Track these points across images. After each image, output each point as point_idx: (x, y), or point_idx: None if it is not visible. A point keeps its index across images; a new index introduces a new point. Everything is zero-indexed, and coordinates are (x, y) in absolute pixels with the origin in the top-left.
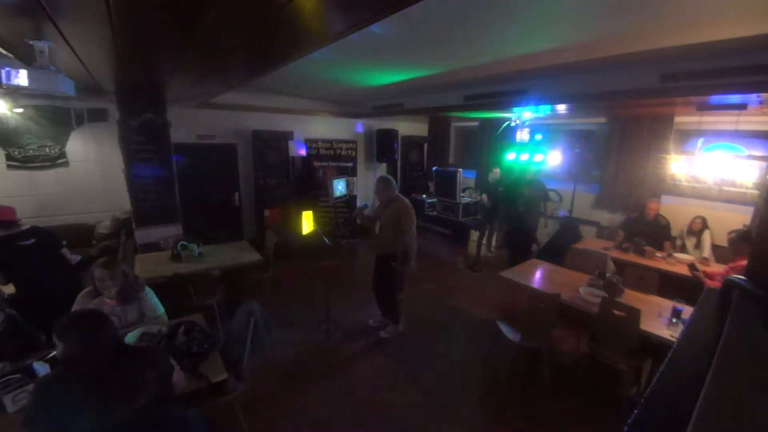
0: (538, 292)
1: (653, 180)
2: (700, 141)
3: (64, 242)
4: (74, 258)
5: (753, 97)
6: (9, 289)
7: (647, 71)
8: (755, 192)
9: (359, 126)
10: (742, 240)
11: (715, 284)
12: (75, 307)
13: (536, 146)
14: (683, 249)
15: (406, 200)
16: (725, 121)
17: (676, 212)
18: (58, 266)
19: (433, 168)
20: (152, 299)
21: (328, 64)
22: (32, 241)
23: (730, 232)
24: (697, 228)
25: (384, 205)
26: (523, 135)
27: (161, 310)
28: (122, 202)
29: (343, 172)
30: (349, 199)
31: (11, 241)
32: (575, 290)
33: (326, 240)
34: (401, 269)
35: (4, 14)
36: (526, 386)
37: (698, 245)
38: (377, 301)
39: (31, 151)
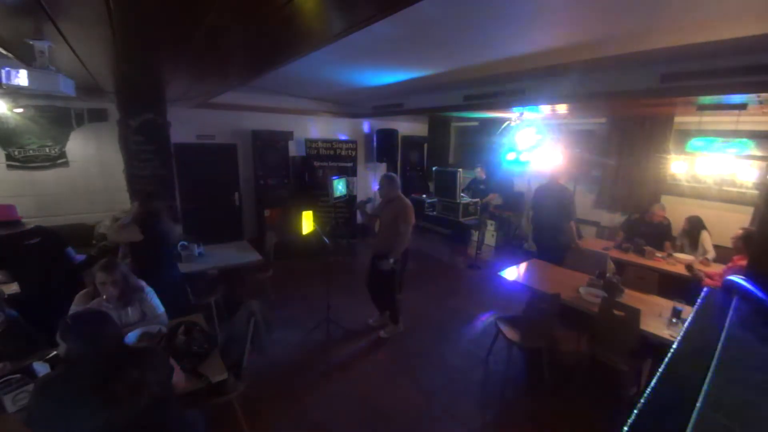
0: (538, 292)
1: (653, 180)
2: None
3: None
4: (80, 258)
5: (753, 97)
6: (9, 288)
7: (647, 71)
8: (755, 192)
9: (359, 126)
10: (744, 240)
11: (715, 284)
12: (73, 308)
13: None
14: (682, 249)
15: (407, 201)
16: (725, 121)
17: (676, 212)
18: (60, 266)
19: (433, 168)
20: (153, 299)
21: (328, 64)
22: (36, 240)
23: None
24: (686, 228)
25: (385, 204)
26: (523, 135)
27: (161, 309)
28: (122, 202)
29: (343, 172)
30: (349, 199)
31: (16, 239)
32: (575, 290)
33: (326, 240)
34: (381, 266)
35: (4, 14)
36: (526, 386)
37: (694, 246)
38: (372, 299)
39: (31, 151)
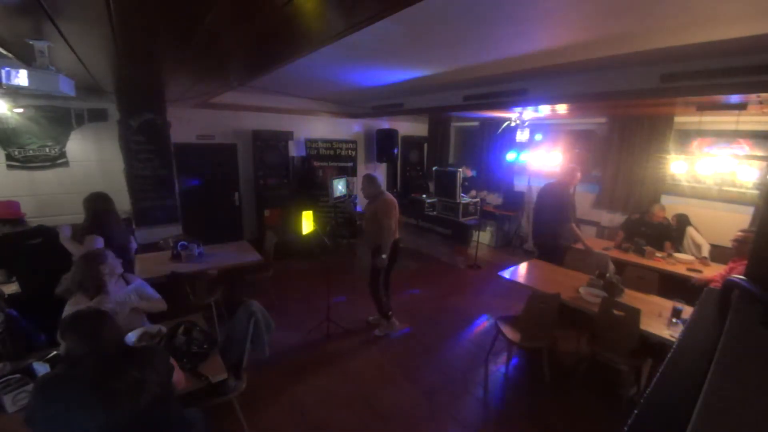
0: (538, 292)
1: (653, 180)
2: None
3: None
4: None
5: (753, 97)
6: (9, 288)
7: (647, 71)
8: (755, 192)
9: (359, 126)
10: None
11: (715, 285)
12: (68, 308)
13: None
14: (676, 247)
15: (389, 196)
16: (725, 121)
17: (676, 212)
18: (61, 266)
19: (433, 168)
20: (146, 288)
21: (328, 64)
22: (38, 240)
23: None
24: (674, 226)
25: (370, 202)
26: (523, 135)
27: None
28: (122, 202)
29: (343, 172)
30: (349, 198)
31: (18, 239)
32: (575, 290)
33: (326, 240)
34: (372, 262)
35: (4, 14)
36: (526, 386)
37: (681, 242)
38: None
39: (31, 151)
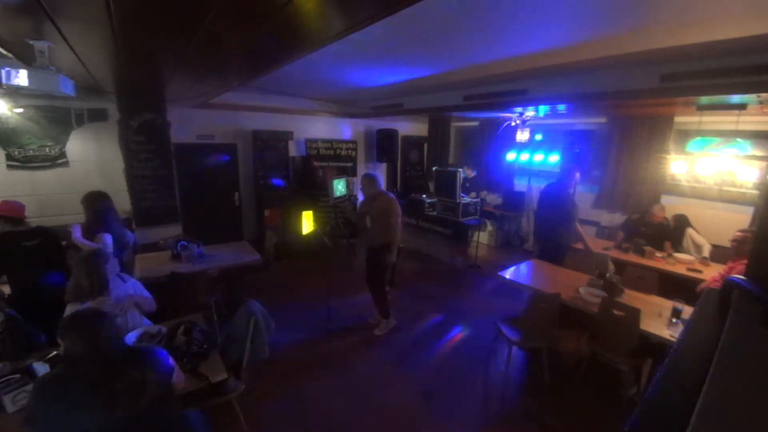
0: (539, 292)
1: (653, 180)
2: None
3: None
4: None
5: (753, 97)
6: (9, 288)
7: (647, 71)
8: (755, 192)
9: (359, 126)
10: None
11: (715, 284)
12: (68, 309)
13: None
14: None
15: (391, 195)
16: (725, 121)
17: (676, 212)
18: (60, 267)
19: (433, 168)
20: (140, 287)
21: (328, 64)
22: (35, 242)
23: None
24: (673, 226)
25: (370, 201)
26: (523, 135)
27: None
28: (122, 202)
29: (343, 172)
30: (349, 199)
31: (15, 239)
32: (575, 290)
33: (326, 240)
34: (380, 260)
35: (4, 14)
36: (526, 386)
37: (680, 242)
38: (371, 295)
39: (31, 151)
